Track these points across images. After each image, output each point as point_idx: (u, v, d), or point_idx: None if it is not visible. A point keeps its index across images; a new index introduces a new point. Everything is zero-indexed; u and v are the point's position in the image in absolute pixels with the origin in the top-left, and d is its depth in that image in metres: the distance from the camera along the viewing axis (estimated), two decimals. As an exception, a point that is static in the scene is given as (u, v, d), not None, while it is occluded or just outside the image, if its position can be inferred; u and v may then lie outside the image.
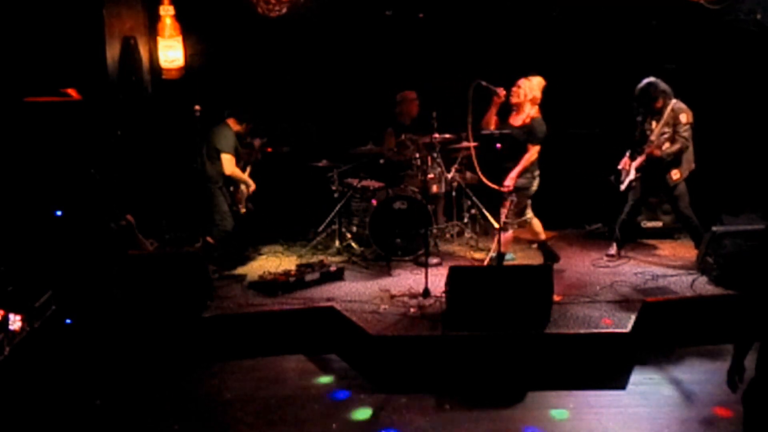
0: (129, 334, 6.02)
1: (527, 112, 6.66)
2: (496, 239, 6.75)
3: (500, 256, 6.63)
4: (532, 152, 6.62)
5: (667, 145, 6.93)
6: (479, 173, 6.76)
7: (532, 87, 6.66)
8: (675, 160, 6.97)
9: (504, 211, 6.69)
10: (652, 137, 7.00)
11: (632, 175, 7.10)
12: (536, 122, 6.63)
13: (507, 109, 6.82)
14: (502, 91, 6.63)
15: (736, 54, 7.91)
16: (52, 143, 6.24)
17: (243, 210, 7.37)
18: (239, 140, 7.25)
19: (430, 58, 8.32)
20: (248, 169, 7.51)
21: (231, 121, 7.20)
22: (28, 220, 6.13)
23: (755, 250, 3.93)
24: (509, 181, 6.64)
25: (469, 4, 8.28)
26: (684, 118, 6.90)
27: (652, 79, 6.98)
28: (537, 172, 6.73)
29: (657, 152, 6.92)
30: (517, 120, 6.73)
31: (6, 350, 5.12)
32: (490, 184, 6.72)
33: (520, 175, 6.64)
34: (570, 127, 8.31)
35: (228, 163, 7.06)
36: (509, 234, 6.85)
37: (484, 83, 6.54)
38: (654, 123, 7.02)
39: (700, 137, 7.19)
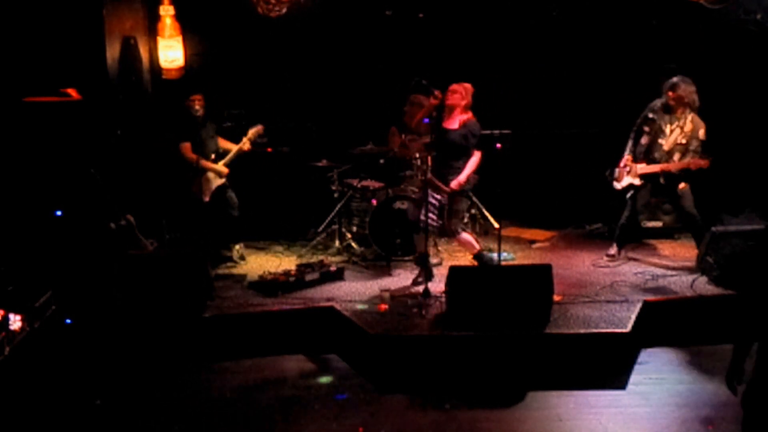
0: (129, 334, 6.02)
1: (460, 116, 6.60)
2: (467, 242, 6.75)
3: (423, 255, 6.66)
4: (478, 155, 6.59)
5: (678, 156, 6.88)
6: (429, 172, 6.65)
7: (467, 91, 6.61)
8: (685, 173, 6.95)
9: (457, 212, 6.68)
10: (666, 147, 6.94)
11: (636, 182, 7.06)
12: (473, 125, 6.57)
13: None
14: (438, 94, 6.59)
15: (736, 54, 7.91)
16: (52, 143, 6.23)
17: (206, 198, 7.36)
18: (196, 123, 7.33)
19: (430, 58, 8.31)
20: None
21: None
22: (28, 220, 6.13)
23: (755, 250, 3.93)
24: (455, 184, 6.53)
25: (469, 4, 8.28)
26: (702, 133, 6.86)
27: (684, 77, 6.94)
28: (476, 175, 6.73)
29: (675, 170, 6.88)
30: (452, 123, 6.65)
31: (6, 350, 5.12)
32: (440, 185, 6.58)
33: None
34: (570, 126, 8.31)
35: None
36: (466, 235, 6.81)
37: (424, 81, 6.56)
38: (669, 127, 6.94)
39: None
